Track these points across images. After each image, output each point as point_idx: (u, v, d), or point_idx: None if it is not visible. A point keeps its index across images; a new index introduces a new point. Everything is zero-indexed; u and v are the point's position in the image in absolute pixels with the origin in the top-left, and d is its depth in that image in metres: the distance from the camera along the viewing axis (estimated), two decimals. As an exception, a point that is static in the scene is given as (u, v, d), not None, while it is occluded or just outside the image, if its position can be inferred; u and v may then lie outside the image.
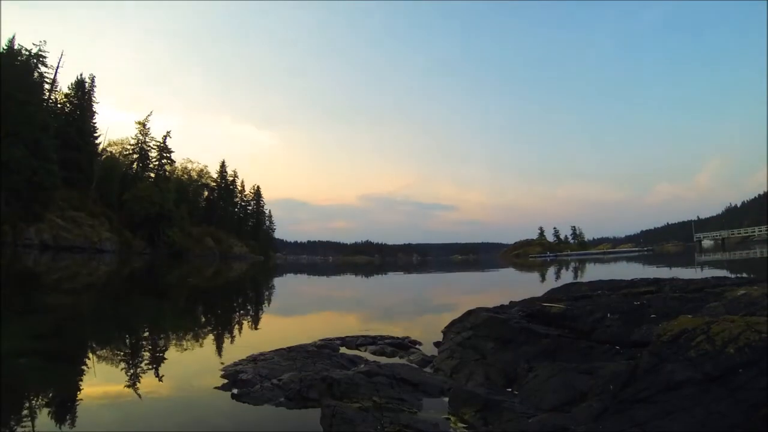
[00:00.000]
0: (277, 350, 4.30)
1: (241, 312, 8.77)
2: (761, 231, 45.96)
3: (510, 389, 3.13)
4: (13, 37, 34.16)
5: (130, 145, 49.30)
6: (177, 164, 56.84)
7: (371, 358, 4.43)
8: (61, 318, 6.22)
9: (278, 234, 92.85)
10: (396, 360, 4.39)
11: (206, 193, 63.83)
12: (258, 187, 73.54)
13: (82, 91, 40.97)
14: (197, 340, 5.12)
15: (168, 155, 49.99)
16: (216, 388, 3.27)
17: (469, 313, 5.11)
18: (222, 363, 3.97)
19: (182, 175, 59.44)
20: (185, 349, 4.57)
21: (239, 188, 69.98)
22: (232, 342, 5.18)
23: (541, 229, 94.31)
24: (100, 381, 3.41)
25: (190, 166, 62.31)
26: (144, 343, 5.29)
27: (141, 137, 48.80)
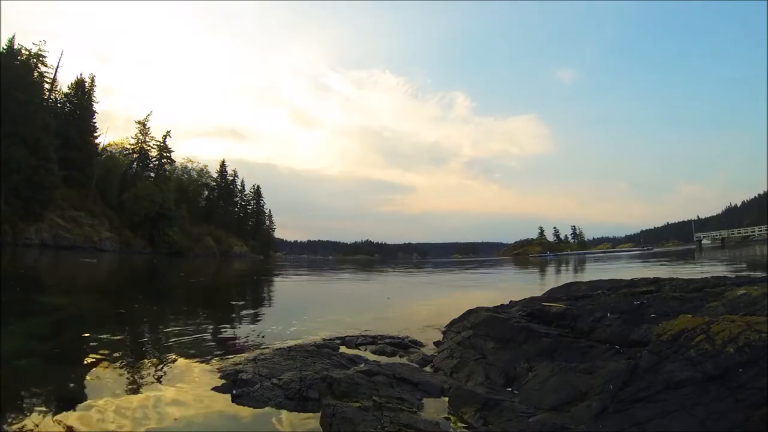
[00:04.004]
0: (277, 350, 4.30)
1: (241, 311, 8.77)
2: (761, 231, 45.96)
3: (510, 388, 3.13)
4: (13, 36, 34.22)
5: (130, 144, 49.35)
6: (177, 164, 56.87)
7: (371, 357, 4.43)
8: (61, 318, 6.22)
9: (279, 233, 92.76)
10: (396, 359, 4.39)
11: (206, 193, 63.81)
12: (258, 186, 73.60)
13: (82, 90, 40.94)
14: (197, 340, 5.12)
15: (168, 155, 49.98)
16: (216, 387, 3.27)
17: (469, 312, 5.12)
18: (222, 362, 3.97)
19: (182, 175, 59.40)
20: (185, 349, 4.57)
21: (239, 188, 70.01)
22: (232, 342, 5.18)
23: (541, 228, 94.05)
24: (100, 381, 3.41)
25: (190, 165, 62.33)
26: (143, 343, 5.29)
27: (141, 137, 48.80)
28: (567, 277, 16.89)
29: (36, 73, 35.45)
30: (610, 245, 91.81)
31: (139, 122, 48.98)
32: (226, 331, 5.90)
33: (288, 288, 15.25)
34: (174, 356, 4.27)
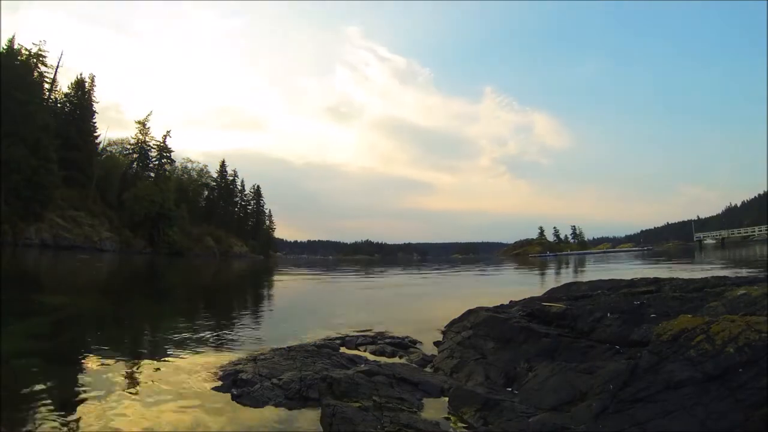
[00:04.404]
0: (277, 350, 4.30)
1: (241, 311, 8.77)
2: (761, 231, 45.96)
3: (510, 388, 3.13)
4: (13, 36, 34.23)
5: (130, 144, 49.36)
6: (177, 164, 56.88)
7: (371, 357, 4.44)
8: (61, 318, 6.21)
9: (279, 233, 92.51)
10: (396, 359, 4.40)
11: (206, 193, 63.80)
12: (258, 186, 73.60)
13: (82, 90, 40.95)
14: (197, 340, 5.12)
15: (168, 155, 49.99)
16: (216, 387, 3.27)
17: (469, 312, 5.12)
18: (222, 362, 3.97)
19: (182, 175, 59.39)
20: (185, 349, 4.57)
21: (239, 188, 70.02)
22: (232, 341, 5.18)
23: (541, 228, 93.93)
24: (100, 381, 3.41)
25: (190, 165, 62.30)
26: (143, 343, 5.29)
27: (141, 137, 48.82)
28: (567, 277, 16.89)
29: (36, 73, 35.46)
30: (610, 245, 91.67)
31: (139, 122, 48.99)
32: (225, 331, 5.90)
33: (288, 288, 15.25)
34: (174, 356, 4.27)
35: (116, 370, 3.72)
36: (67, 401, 2.99)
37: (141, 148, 48.91)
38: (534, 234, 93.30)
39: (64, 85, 40.38)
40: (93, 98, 42.03)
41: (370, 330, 5.71)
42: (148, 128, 49.16)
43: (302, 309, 9.02)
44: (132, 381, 3.47)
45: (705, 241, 53.95)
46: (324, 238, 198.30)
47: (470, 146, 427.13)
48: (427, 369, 4.00)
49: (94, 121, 42.01)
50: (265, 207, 75.67)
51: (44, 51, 36.43)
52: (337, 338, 5.18)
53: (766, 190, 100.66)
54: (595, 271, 19.46)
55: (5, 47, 32.98)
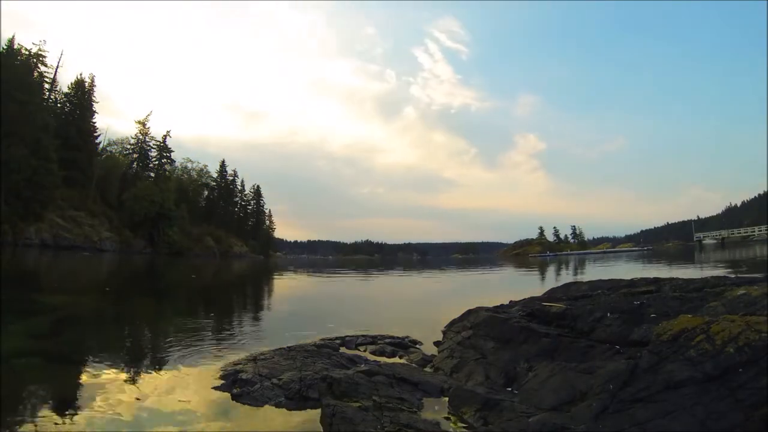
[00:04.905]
0: (276, 349, 4.30)
1: (241, 311, 8.77)
2: (761, 231, 45.96)
3: (510, 388, 3.13)
4: (13, 36, 34.24)
5: (130, 144, 49.38)
6: (177, 164, 56.89)
7: (371, 357, 4.44)
8: (61, 318, 6.21)
9: (279, 233, 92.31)
10: (396, 359, 4.40)
11: (206, 193, 63.80)
12: (258, 186, 73.58)
13: (82, 90, 40.94)
14: (197, 340, 5.12)
15: (168, 154, 50.03)
16: (216, 387, 3.27)
17: (469, 312, 5.12)
18: (222, 362, 3.97)
19: (182, 175, 59.39)
20: (185, 349, 4.57)
21: (239, 188, 70.01)
22: (232, 341, 5.18)
23: (541, 228, 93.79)
24: (100, 381, 3.41)
25: (190, 165, 62.29)
26: (144, 342, 5.29)
27: (141, 136, 48.83)
28: (567, 277, 16.89)
29: (36, 73, 35.46)
30: (610, 245, 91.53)
31: (139, 122, 49.02)
32: (225, 331, 5.90)
33: (288, 288, 15.25)
34: (173, 356, 4.27)
35: (116, 370, 3.72)
36: (68, 401, 3.00)
37: (141, 147, 48.93)
38: (534, 234, 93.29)
39: (64, 85, 40.34)
40: (93, 98, 42.03)
41: (369, 330, 5.71)
42: (148, 128, 49.21)
43: (302, 309, 9.02)
44: (132, 380, 3.47)
45: (705, 241, 53.92)
46: (324, 238, 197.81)
47: (507, 141, 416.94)
48: (427, 369, 4.00)
49: (94, 121, 42.00)
50: (265, 207, 75.67)
51: (44, 51, 36.45)
52: (337, 338, 5.18)
53: (766, 190, 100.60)
54: (595, 271, 19.46)
55: (5, 47, 32.97)
